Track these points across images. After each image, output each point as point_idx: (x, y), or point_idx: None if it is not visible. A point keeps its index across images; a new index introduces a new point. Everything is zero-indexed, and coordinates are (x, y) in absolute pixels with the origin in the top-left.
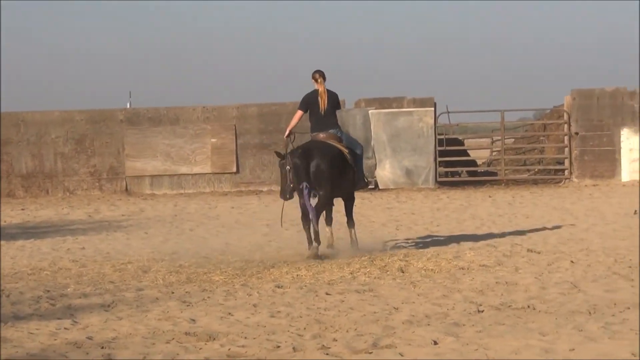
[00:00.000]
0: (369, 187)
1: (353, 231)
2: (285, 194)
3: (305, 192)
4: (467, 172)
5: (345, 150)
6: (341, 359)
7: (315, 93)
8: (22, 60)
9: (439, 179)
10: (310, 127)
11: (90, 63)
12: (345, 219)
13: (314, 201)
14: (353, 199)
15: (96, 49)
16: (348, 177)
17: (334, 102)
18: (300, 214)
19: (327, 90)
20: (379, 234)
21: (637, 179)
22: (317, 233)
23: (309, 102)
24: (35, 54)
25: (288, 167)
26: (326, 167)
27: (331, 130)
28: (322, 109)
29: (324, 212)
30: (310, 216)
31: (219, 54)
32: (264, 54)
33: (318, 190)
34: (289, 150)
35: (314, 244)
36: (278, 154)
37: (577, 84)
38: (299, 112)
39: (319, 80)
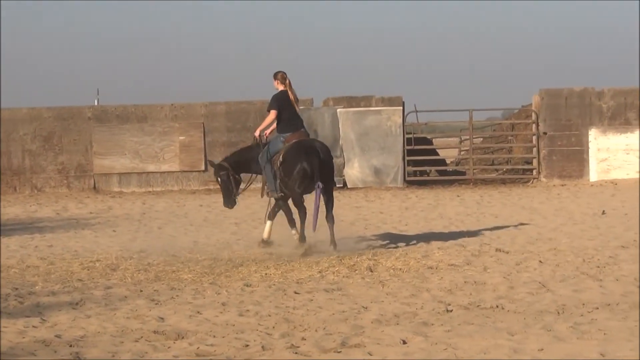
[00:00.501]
0: (337, 185)
1: (333, 227)
2: (230, 203)
3: (319, 191)
4: (437, 171)
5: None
6: (310, 358)
7: (285, 93)
8: None
9: (407, 178)
10: (279, 127)
11: (58, 59)
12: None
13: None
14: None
15: (63, 46)
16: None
17: (297, 102)
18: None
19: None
20: (348, 233)
21: (606, 179)
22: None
23: (281, 102)
24: (1, 50)
25: (278, 165)
26: (332, 164)
27: (302, 130)
28: (294, 109)
29: (286, 212)
30: (315, 215)
31: (187, 52)
32: (231, 51)
33: (327, 186)
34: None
35: (305, 241)
36: (212, 163)
37: (545, 84)
38: (274, 112)
39: (285, 81)
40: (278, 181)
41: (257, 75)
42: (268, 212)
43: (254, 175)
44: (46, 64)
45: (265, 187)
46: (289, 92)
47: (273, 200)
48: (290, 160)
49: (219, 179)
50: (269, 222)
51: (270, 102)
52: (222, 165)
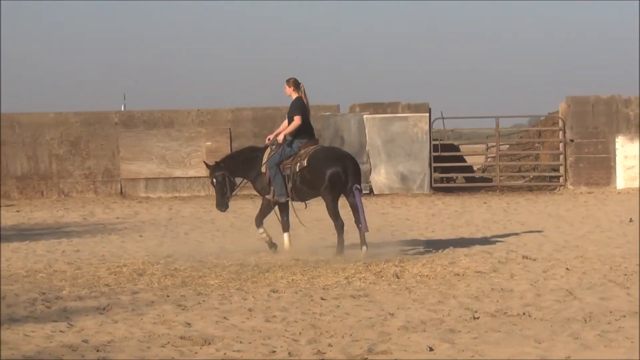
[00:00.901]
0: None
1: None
2: (224, 206)
3: (357, 192)
4: (464, 177)
5: None
6: None
7: (302, 100)
8: (17, 61)
9: (433, 185)
10: (295, 133)
11: (85, 65)
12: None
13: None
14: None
15: (91, 51)
16: None
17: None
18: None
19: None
20: (374, 240)
21: (633, 186)
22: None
23: (302, 109)
24: (30, 55)
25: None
26: (360, 170)
27: (315, 138)
28: (309, 117)
29: (283, 218)
30: (363, 215)
31: (213, 57)
32: (258, 57)
33: (359, 188)
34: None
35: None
36: (207, 164)
37: (572, 91)
38: (300, 118)
39: (300, 88)
40: (290, 185)
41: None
42: (282, 224)
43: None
44: (74, 68)
45: (272, 190)
46: (304, 99)
47: (274, 209)
48: (320, 165)
49: (215, 180)
50: (286, 235)
51: (293, 108)
52: (219, 165)
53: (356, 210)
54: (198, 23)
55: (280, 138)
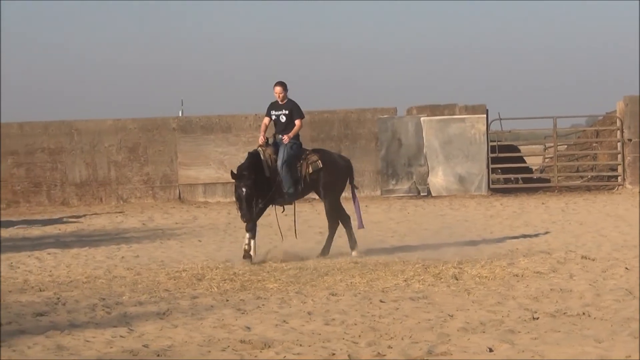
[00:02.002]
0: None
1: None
2: (252, 216)
3: (355, 190)
4: (522, 178)
5: None
6: None
7: None
8: (75, 69)
9: (491, 186)
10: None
11: (142, 71)
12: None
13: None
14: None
15: (147, 57)
16: None
17: None
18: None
19: None
20: (432, 242)
21: None
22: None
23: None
24: (89, 63)
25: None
26: None
27: None
28: None
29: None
30: (359, 210)
31: (270, 63)
32: (314, 61)
33: (356, 187)
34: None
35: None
36: (233, 174)
37: (630, 90)
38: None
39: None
40: (302, 183)
41: (340, 85)
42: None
43: None
44: (131, 75)
45: (285, 190)
46: None
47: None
48: (334, 164)
49: (245, 189)
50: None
51: (301, 110)
52: (250, 174)
53: (355, 207)
54: (256, 27)
55: (286, 139)
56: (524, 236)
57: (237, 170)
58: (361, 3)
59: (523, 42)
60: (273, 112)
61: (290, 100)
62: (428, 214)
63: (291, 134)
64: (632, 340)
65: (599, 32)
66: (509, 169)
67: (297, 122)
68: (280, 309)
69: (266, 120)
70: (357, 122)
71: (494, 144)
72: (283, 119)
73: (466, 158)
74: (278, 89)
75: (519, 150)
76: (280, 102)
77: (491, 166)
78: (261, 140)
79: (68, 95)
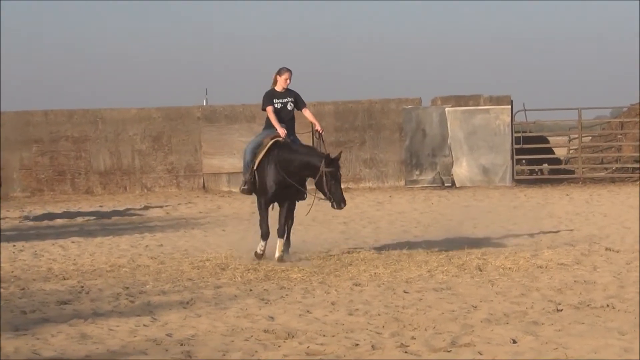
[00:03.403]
0: (446, 185)
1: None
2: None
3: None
4: (550, 170)
5: None
6: (420, 358)
7: None
8: (99, 58)
9: (516, 177)
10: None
11: (167, 60)
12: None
13: None
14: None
15: (172, 47)
16: None
17: None
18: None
19: None
20: (456, 232)
21: None
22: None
23: None
24: (113, 52)
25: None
26: None
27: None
28: None
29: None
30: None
31: (294, 52)
32: (340, 51)
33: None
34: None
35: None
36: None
37: None
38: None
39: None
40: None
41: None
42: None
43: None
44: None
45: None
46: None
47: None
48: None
49: (333, 173)
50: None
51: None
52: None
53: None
54: (278, 17)
55: (322, 130)
56: (548, 228)
57: (326, 158)
58: None
59: (548, 33)
60: (277, 101)
61: (289, 89)
62: (452, 205)
63: (319, 126)
64: None
65: (625, 23)
66: (536, 160)
67: (307, 112)
68: (304, 299)
69: (271, 109)
70: (382, 112)
71: (519, 134)
72: (290, 106)
73: (490, 149)
74: (288, 75)
75: (548, 142)
76: (279, 90)
77: (515, 157)
78: (283, 132)
79: (93, 84)
